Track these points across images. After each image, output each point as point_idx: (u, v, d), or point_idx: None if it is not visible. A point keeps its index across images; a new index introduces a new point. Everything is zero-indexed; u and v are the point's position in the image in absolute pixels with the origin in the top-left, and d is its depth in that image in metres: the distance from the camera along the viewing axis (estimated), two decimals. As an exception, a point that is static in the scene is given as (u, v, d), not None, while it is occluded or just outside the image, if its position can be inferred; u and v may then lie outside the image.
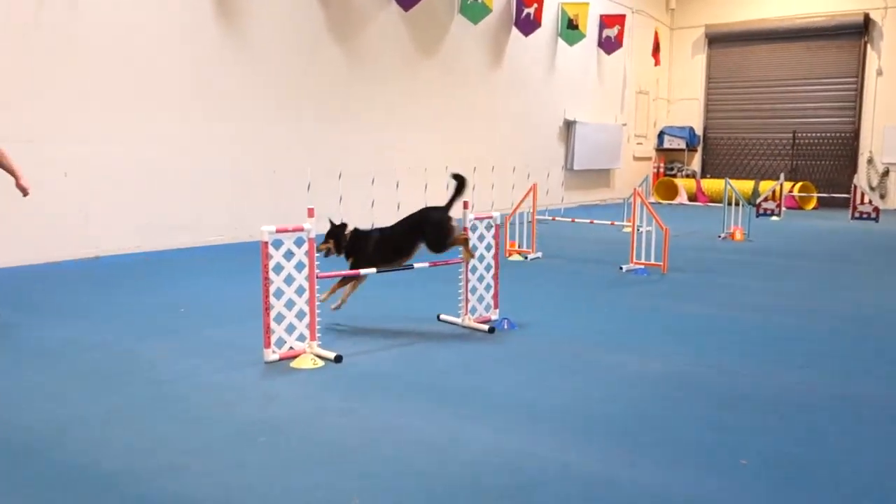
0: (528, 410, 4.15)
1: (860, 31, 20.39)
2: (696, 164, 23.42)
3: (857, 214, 16.65)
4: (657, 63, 22.17)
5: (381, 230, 6.24)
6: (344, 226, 6.07)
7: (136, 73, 9.48)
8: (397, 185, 12.12)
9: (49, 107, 8.65)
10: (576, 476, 3.31)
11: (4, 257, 8.25)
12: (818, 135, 21.41)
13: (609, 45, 19.47)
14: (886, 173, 20.48)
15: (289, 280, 5.00)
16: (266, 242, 4.81)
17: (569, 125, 18.71)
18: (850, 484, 3.29)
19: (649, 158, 23.12)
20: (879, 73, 20.40)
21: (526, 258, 9.83)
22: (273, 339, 4.95)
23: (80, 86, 8.94)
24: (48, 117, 8.65)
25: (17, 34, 8.35)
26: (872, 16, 20.30)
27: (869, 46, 20.49)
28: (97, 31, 9.05)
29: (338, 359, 4.95)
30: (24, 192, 6.15)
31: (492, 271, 6.12)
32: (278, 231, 4.88)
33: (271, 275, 4.87)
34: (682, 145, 23.05)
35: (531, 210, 10.18)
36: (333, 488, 3.17)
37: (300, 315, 5.07)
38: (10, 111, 8.29)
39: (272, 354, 4.94)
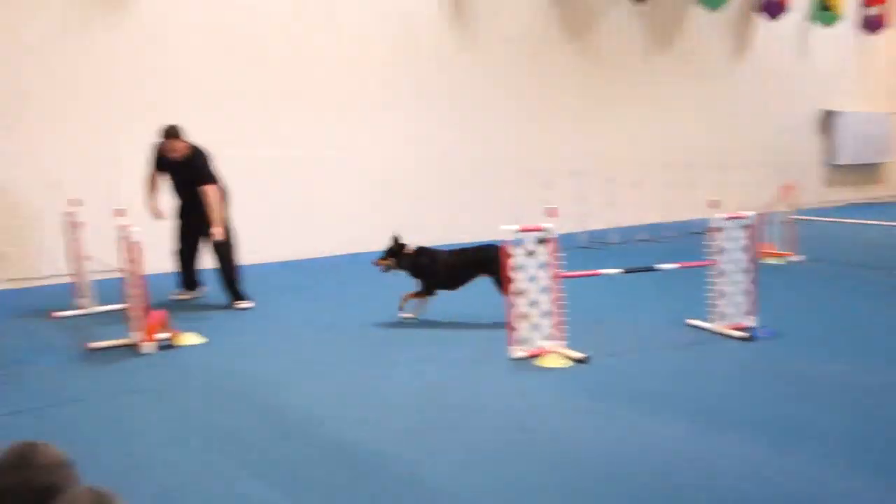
0: (789, 429, 3.88)
1: None
2: None
3: None
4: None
5: (449, 253, 6.40)
6: (403, 245, 6.30)
7: (378, 77, 10.15)
8: (635, 185, 11.90)
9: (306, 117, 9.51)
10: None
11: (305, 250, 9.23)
12: None
13: (872, 24, 17.52)
14: None
15: (533, 279, 5.14)
16: (508, 242, 5.00)
17: (828, 115, 17.20)
18: None
19: (928, 150, 20.62)
20: None
21: (785, 262, 9.21)
22: (519, 336, 5.12)
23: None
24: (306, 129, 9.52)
25: (252, 46, 9.24)
26: None
27: None
28: (322, 38, 9.78)
29: (585, 360, 5.01)
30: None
31: (747, 275, 5.82)
32: (521, 230, 5.04)
33: (513, 273, 5.04)
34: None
35: (785, 209, 9.53)
36: (573, 488, 3.22)
37: (546, 314, 5.19)
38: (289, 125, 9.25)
39: (519, 351, 5.11)
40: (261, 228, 8.81)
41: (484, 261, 6.21)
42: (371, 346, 5.51)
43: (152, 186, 7.07)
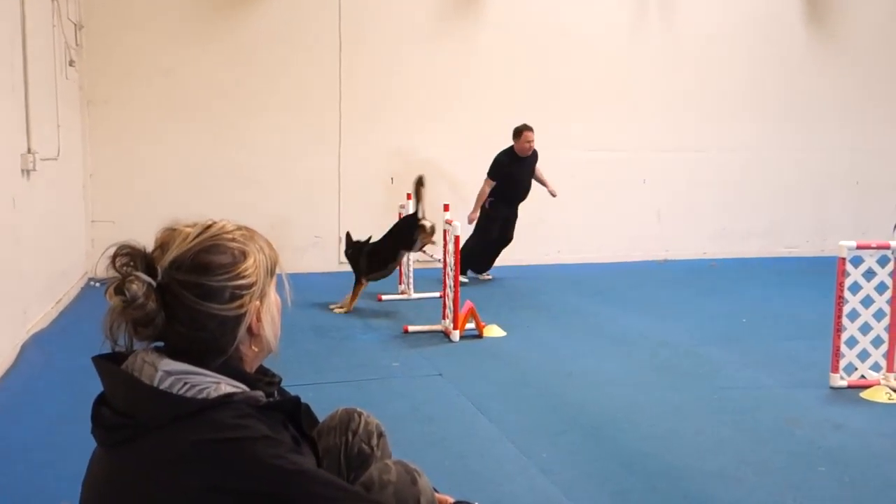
0: None
1: None
2: None
3: None
4: None
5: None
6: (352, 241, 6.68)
7: (724, 79, 9.69)
8: None
9: (629, 119, 9.39)
10: None
11: (593, 255, 9.28)
12: None
13: None
14: None
15: (866, 302, 4.60)
16: (843, 258, 4.51)
17: None
18: None
19: None
20: None
21: None
22: (843, 363, 4.61)
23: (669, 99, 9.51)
24: (629, 129, 9.41)
25: (612, 51, 9.27)
26: None
27: None
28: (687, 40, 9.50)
29: (919, 396, 4.39)
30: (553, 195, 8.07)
31: None
32: (859, 247, 4.53)
33: (846, 294, 4.55)
34: None
35: None
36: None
37: (877, 342, 4.63)
38: (611, 127, 9.28)
39: (840, 380, 4.60)
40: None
41: (397, 233, 6.57)
42: (674, 356, 5.32)
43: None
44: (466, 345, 5.56)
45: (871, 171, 10.36)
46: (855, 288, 4.56)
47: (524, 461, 3.50)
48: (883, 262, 4.57)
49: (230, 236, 1.49)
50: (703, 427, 3.97)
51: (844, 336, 4.58)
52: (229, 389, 1.42)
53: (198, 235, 1.46)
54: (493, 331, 5.82)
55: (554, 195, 8.13)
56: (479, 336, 5.72)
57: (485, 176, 7.89)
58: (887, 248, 4.56)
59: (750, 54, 9.77)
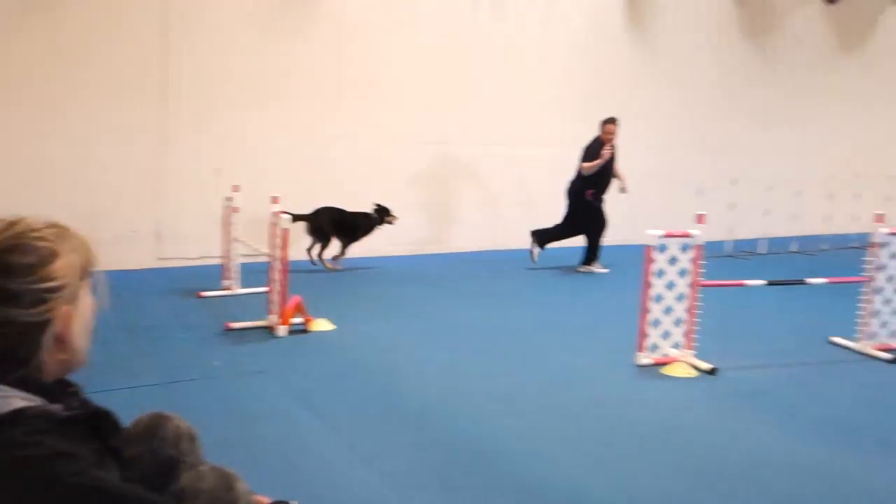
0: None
1: None
2: None
3: None
4: None
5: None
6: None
7: (552, 79, 10.07)
8: (798, 194, 11.21)
9: (464, 112, 9.60)
10: None
11: (433, 247, 9.39)
12: None
13: None
14: None
15: (670, 286, 4.96)
16: (650, 246, 4.83)
17: None
18: None
19: None
20: None
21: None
22: (647, 343, 4.95)
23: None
24: (462, 123, 9.61)
25: (460, 47, 9.40)
26: None
27: None
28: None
29: (713, 371, 4.79)
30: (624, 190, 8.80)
31: (902, 294, 5.39)
32: (666, 235, 4.87)
33: (652, 279, 4.88)
34: None
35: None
36: (688, 501, 3.09)
37: (677, 322, 5.00)
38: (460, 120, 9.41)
39: (645, 358, 4.95)
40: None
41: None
42: (503, 344, 5.49)
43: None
44: (293, 340, 5.45)
45: (677, 165, 11.18)
46: (661, 273, 4.90)
47: (347, 454, 3.49)
48: (685, 248, 4.93)
49: (37, 235, 1.37)
50: (524, 410, 4.12)
51: (650, 318, 4.92)
52: (21, 404, 1.30)
53: None
54: (322, 325, 5.74)
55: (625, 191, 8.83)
56: (306, 331, 5.63)
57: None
58: (689, 236, 4.92)
59: (567, 54, 10.25)
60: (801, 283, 5.66)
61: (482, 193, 9.91)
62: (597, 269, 8.63)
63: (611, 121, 8.46)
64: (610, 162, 8.53)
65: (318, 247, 8.12)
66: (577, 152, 8.64)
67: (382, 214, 8.29)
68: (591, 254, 8.63)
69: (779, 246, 10.59)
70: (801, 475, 3.37)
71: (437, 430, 3.81)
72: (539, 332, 5.81)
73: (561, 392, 4.43)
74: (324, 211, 8.07)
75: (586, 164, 8.42)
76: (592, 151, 8.42)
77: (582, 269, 8.60)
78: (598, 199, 8.66)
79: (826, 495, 3.19)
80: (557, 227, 8.72)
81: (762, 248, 10.53)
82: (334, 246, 8.23)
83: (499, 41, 9.72)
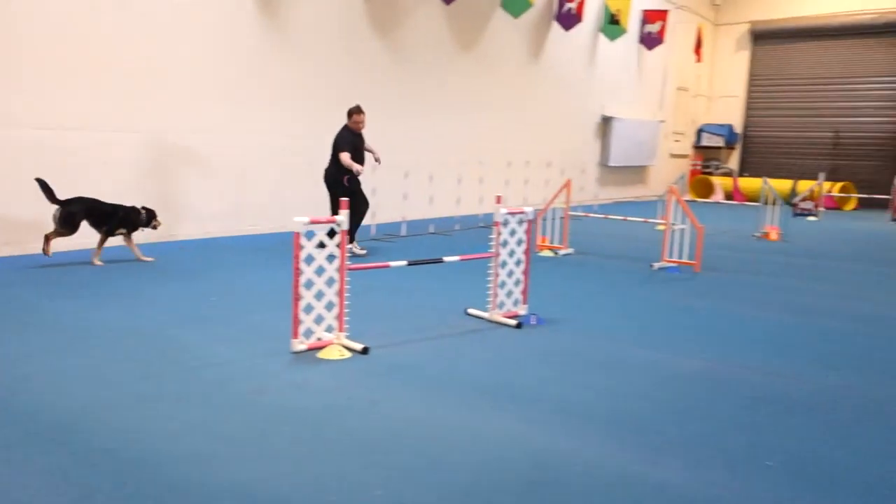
0: (555, 406, 4.14)
1: (908, 28, 19.94)
2: (733, 162, 23.11)
3: (898, 216, 16.33)
4: (699, 59, 21.92)
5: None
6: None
7: (181, 63, 9.60)
8: (430, 179, 12.13)
9: (93, 95, 8.80)
10: (600, 473, 3.30)
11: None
12: (860, 134, 21.01)
13: (650, 40, 19.27)
14: (931, 175, 20.01)
15: (319, 271, 5.04)
16: (298, 233, 4.86)
17: (606, 121, 18.56)
18: (882, 489, 3.24)
19: (686, 156, 22.87)
20: (926, 72, 19.91)
21: (556, 254, 9.79)
22: (301, 329, 5.00)
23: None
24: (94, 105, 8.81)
25: (68, 23, 8.49)
26: (921, 13, 19.82)
27: (916, 45, 20.02)
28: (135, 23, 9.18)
29: (365, 350, 4.99)
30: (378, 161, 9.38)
31: (522, 266, 6.11)
32: (312, 222, 4.92)
33: (302, 265, 4.92)
34: (721, 143, 22.76)
35: (564, 206, 10.13)
36: (357, 480, 3.19)
37: (329, 306, 5.11)
38: (73, 100, 8.46)
39: (300, 345, 4.99)
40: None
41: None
42: (147, 344, 5.12)
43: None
44: None
45: (320, 154, 11.40)
46: (310, 259, 4.96)
47: (-34, 486, 3.00)
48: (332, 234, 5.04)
49: None
50: (173, 411, 3.90)
51: (302, 304, 4.96)
52: None
53: None
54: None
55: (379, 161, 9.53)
56: None
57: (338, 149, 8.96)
58: (334, 222, 5.04)
59: (212, 39, 9.88)
60: (440, 261, 6.11)
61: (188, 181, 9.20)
62: (357, 250, 9.14)
63: (358, 111, 9.03)
64: (360, 144, 9.20)
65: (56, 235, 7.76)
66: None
67: (150, 217, 8.40)
68: (351, 235, 9.12)
69: (418, 228, 11.37)
70: (450, 436, 3.65)
71: (76, 444, 3.44)
72: (187, 328, 5.55)
73: (216, 388, 4.28)
74: (77, 200, 7.81)
75: (345, 159, 8.86)
76: (345, 140, 8.98)
77: (351, 247, 9.05)
78: (355, 182, 9.13)
79: (468, 451, 3.49)
80: (351, 222, 8.92)
81: (403, 231, 11.21)
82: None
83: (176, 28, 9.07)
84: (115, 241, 8.31)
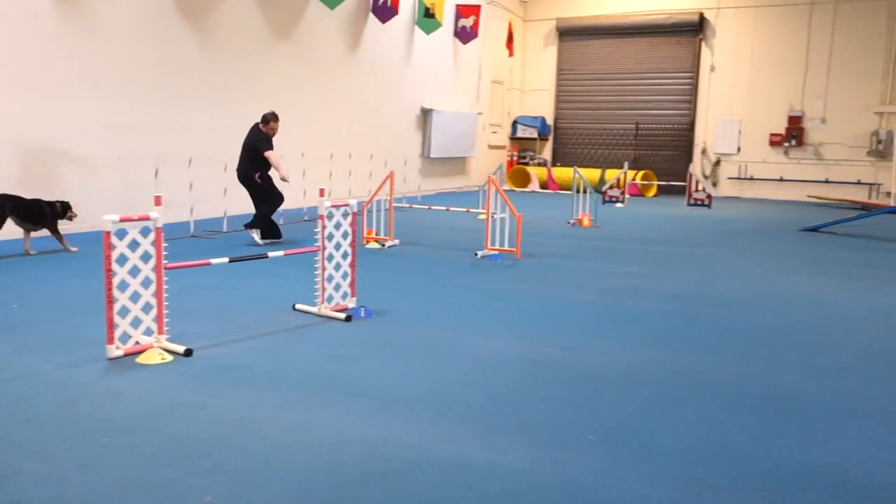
0: (386, 397, 4.17)
1: (695, 29, 21.72)
2: (547, 152, 24.22)
3: (692, 201, 17.84)
4: (511, 54, 22.76)
5: None
6: None
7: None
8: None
9: None
10: (433, 460, 3.37)
11: None
12: (658, 126, 22.69)
13: (465, 34, 19.77)
14: (718, 163, 21.99)
15: (134, 271, 4.77)
16: (108, 232, 4.56)
17: (425, 113, 18.86)
18: (690, 451, 3.53)
19: (503, 147, 23.70)
20: (713, 69, 21.82)
21: (383, 245, 9.85)
22: (117, 333, 4.70)
23: None
24: None
25: None
26: (707, 15, 21.67)
27: (703, 44, 21.87)
28: None
29: (187, 352, 4.78)
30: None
31: (348, 259, 6.09)
32: (122, 220, 4.64)
33: (114, 266, 4.63)
34: (535, 134, 23.78)
35: (389, 198, 10.20)
36: (185, 486, 3.06)
37: (146, 308, 4.85)
38: None
39: (116, 350, 4.69)
40: None
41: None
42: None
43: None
44: None
45: (132, 146, 10.78)
46: (122, 259, 4.67)
47: None
48: (145, 232, 4.78)
49: None
50: (-28, 430, 3.55)
51: (117, 307, 4.67)
52: None
53: None
54: None
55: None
56: None
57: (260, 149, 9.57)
58: (148, 219, 4.78)
59: (2, 33, 9.04)
60: (264, 257, 5.97)
61: None
62: (256, 235, 9.67)
63: (275, 118, 9.82)
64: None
65: None
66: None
67: (65, 209, 8.67)
68: (257, 222, 9.72)
69: (239, 223, 11.02)
70: (282, 434, 3.57)
71: None
72: (-13, 339, 5.07)
73: (22, 402, 3.94)
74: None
75: (273, 158, 9.58)
76: (266, 140, 9.68)
77: (251, 231, 9.69)
78: (267, 178, 9.77)
79: (301, 448, 3.44)
80: (260, 211, 9.75)
81: (225, 227, 10.84)
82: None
83: None
84: None
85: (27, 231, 8.43)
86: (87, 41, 10.15)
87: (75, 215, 8.85)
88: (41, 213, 8.42)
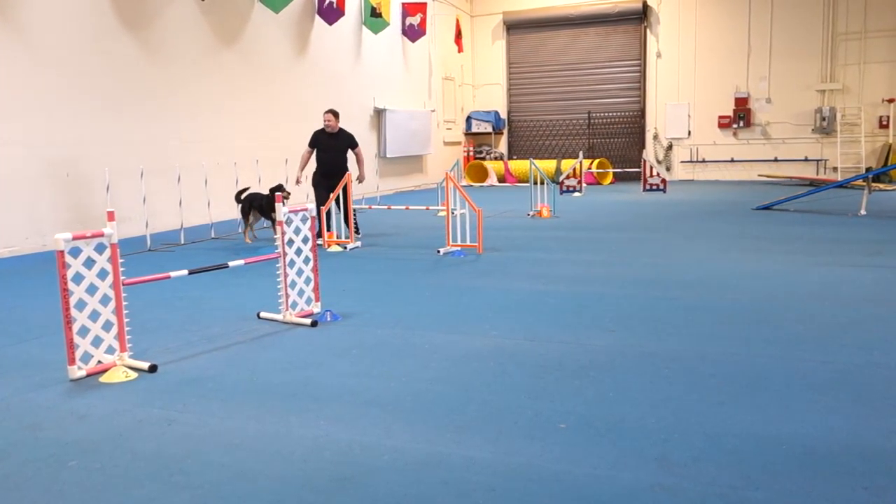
0: (357, 400, 4.16)
1: (640, 17, 22.00)
2: (503, 146, 24.33)
3: (648, 187, 18.07)
4: (460, 50, 22.78)
5: None
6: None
7: None
8: (206, 182, 11.64)
9: None
10: (407, 460, 3.37)
11: None
12: (610, 114, 22.92)
13: (413, 32, 19.75)
14: (670, 147, 22.30)
15: (91, 290, 4.68)
16: (62, 251, 4.47)
17: (379, 113, 18.80)
18: (657, 432, 3.58)
19: (459, 143, 23.74)
20: (658, 55, 22.12)
21: (345, 248, 9.80)
22: (78, 354, 4.61)
23: None
24: None
25: None
26: (650, 3, 21.95)
27: (648, 31, 22.16)
28: None
29: (152, 368, 4.71)
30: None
31: (310, 264, 6.05)
32: (75, 238, 4.55)
33: (70, 285, 4.54)
34: (489, 129, 23.85)
35: (347, 200, 10.15)
36: (161, 503, 3.02)
37: (107, 326, 4.77)
38: None
39: (78, 371, 4.60)
40: None
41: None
42: None
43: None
44: None
45: (83, 162, 10.57)
46: (78, 278, 4.59)
47: None
48: (100, 249, 4.69)
49: None
50: (-67, 463, 3.46)
51: (76, 327, 4.58)
52: None
53: None
54: None
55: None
56: None
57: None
58: (102, 235, 4.69)
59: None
60: (224, 266, 5.90)
61: None
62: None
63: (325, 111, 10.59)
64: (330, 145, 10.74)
65: None
66: None
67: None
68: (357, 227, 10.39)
69: (198, 234, 10.90)
70: (253, 444, 3.54)
71: None
72: (-58, 368, 4.94)
73: (-18, 430, 3.85)
74: None
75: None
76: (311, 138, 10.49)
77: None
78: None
79: (273, 457, 3.41)
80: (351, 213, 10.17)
81: (182, 239, 10.70)
82: None
83: None
84: None
85: None
86: (21, 55, 9.90)
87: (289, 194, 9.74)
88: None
